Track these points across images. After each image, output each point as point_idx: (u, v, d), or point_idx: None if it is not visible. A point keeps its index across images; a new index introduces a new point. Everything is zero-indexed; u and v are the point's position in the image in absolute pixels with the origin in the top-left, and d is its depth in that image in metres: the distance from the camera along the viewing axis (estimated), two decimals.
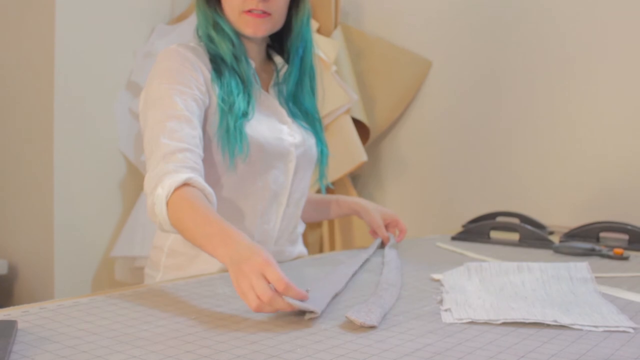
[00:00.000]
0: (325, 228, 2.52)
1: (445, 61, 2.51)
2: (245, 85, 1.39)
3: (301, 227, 1.58)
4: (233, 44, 1.40)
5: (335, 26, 2.57)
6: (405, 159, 2.62)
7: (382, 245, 1.64)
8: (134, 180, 2.62)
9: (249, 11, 1.37)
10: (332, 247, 2.51)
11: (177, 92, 1.29)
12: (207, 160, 1.35)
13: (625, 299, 1.13)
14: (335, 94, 2.38)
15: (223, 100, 1.34)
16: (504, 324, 0.95)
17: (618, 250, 1.59)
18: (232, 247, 1.00)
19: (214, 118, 1.35)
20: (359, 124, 2.53)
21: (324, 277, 1.21)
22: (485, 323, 0.95)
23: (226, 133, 1.32)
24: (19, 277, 2.51)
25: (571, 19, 2.23)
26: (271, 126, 1.41)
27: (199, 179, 1.18)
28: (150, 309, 0.99)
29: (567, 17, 2.23)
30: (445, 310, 1.01)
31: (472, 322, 0.95)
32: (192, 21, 2.50)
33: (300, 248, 1.57)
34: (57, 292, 2.39)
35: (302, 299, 0.94)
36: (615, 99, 2.16)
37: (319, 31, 2.56)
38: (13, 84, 2.53)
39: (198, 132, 1.27)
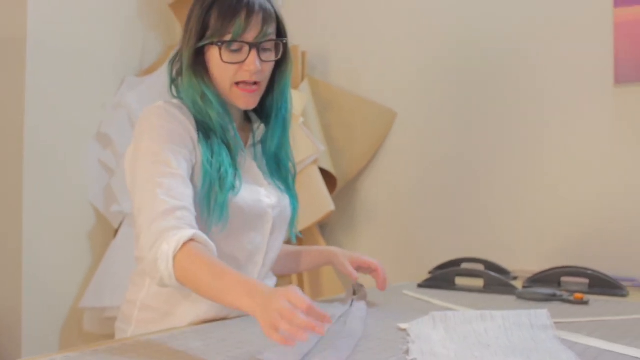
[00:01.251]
0: (294, 277, 2.55)
1: (410, 112, 2.58)
2: (233, 156, 1.40)
3: (272, 281, 1.60)
4: (220, 114, 1.40)
5: (302, 79, 2.64)
6: (373, 207, 2.67)
7: (354, 292, 1.66)
8: (103, 231, 2.63)
9: (239, 83, 1.40)
10: None
11: (169, 150, 1.31)
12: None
13: (585, 344, 1.18)
14: (302, 145, 2.43)
15: (211, 167, 1.35)
16: None
17: (578, 295, 1.64)
18: (256, 297, 1.03)
19: (198, 178, 1.36)
20: (326, 174, 2.58)
21: None
22: None
23: (207, 201, 1.34)
24: None
25: (536, 68, 2.32)
26: (250, 189, 1.43)
27: (203, 235, 1.21)
28: None
29: (533, 67, 2.33)
30: None
31: None
32: (162, 73, 2.55)
33: None
34: (25, 342, 2.37)
35: (323, 320, 0.98)
36: (578, 147, 2.25)
37: None
38: None
39: (191, 191, 1.30)
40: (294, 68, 2.60)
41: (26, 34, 2.42)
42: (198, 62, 1.41)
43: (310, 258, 1.73)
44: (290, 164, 1.57)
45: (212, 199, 1.34)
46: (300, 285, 2.54)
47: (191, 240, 1.19)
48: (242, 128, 1.53)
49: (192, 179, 1.35)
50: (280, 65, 1.48)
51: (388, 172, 2.64)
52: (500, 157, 2.38)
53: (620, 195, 2.17)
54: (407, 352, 1.10)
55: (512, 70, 2.36)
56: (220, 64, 1.39)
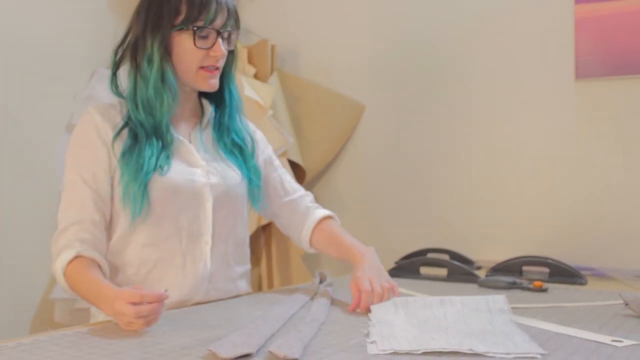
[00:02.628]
0: (263, 266, 2.58)
1: (378, 105, 2.62)
2: (165, 144, 1.48)
3: (243, 266, 1.63)
4: (169, 104, 1.48)
5: (272, 72, 2.66)
6: (341, 198, 2.71)
7: (320, 281, 1.69)
8: None
9: (204, 67, 1.49)
10: (271, 286, 2.56)
11: (82, 169, 1.46)
12: (119, 211, 1.46)
13: (538, 327, 1.22)
14: (271, 137, 2.45)
15: (124, 154, 1.45)
16: (425, 353, 1.02)
17: (538, 283, 1.69)
18: (106, 301, 1.22)
19: (116, 175, 1.46)
20: (295, 166, 2.61)
21: (260, 318, 1.27)
22: (407, 353, 1.02)
23: (126, 194, 1.43)
24: None
25: (499, 63, 2.37)
26: (181, 170, 1.49)
27: (86, 251, 1.39)
28: (92, 347, 1.04)
29: (495, 61, 2.38)
30: (371, 342, 1.09)
31: (395, 353, 1.03)
32: None
33: (241, 286, 1.62)
34: None
35: (161, 298, 1.16)
36: (539, 140, 2.30)
37: (256, 76, 2.65)
38: None
39: (94, 197, 1.45)
40: (264, 61, 2.65)
41: None
42: (166, 48, 1.48)
43: (344, 251, 1.62)
44: (247, 138, 1.64)
45: (129, 190, 1.43)
46: (269, 273, 2.57)
47: (77, 257, 1.38)
48: (193, 114, 1.61)
49: (113, 177, 1.47)
50: (230, 53, 1.57)
51: (356, 164, 2.68)
52: (465, 151, 2.43)
53: (581, 187, 2.23)
54: (367, 335, 1.14)
55: (476, 64, 2.41)
56: (190, 49, 1.48)
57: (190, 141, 1.56)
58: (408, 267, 1.97)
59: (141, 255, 1.47)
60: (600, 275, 2.01)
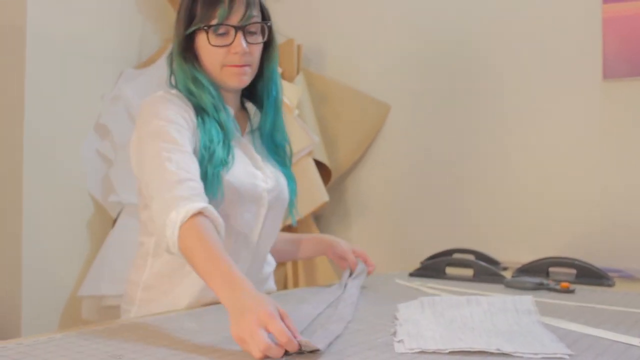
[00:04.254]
0: (289, 266, 2.59)
1: (404, 105, 2.62)
2: (226, 134, 1.46)
3: (270, 266, 1.64)
4: (212, 96, 1.46)
5: (298, 72, 2.67)
6: (366, 198, 2.71)
7: (350, 274, 1.70)
8: (101, 221, 2.67)
9: (231, 65, 1.46)
10: (296, 285, 2.57)
11: (175, 130, 1.36)
12: None
13: (566, 328, 1.22)
14: (297, 137, 2.46)
15: (204, 147, 1.41)
16: (452, 352, 1.02)
17: (565, 284, 1.68)
18: (237, 294, 1.04)
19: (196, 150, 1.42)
20: (321, 166, 2.62)
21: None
22: (434, 352, 1.02)
23: (203, 180, 1.37)
24: None
25: (527, 63, 2.36)
26: (247, 171, 1.48)
27: (213, 210, 1.25)
28: (121, 343, 1.06)
29: (524, 62, 2.37)
30: (398, 341, 1.09)
31: (422, 352, 1.03)
32: (160, 65, 2.58)
33: (269, 284, 1.64)
34: (25, 331, 2.41)
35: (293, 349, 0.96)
36: (567, 141, 2.29)
37: (282, 76, 2.65)
38: None
39: (197, 166, 1.35)
40: (290, 61, 2.65)
41: (26, 25, 2.45)
42: (188, 49, 1.48)
43: (310, 245, 1.77)
44: (287, 146, 1.64)
45: (207, 175, 1.38)
46: (295, 273, 2.57)
47: (200, 213, 1.22)
48: (239, 116, 1.59)
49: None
50: (267, 49, 1.55)
51: (382, 164, 2.68)
52: (492, 151, 2.42)
53: (609, 189, 2.21)
54: (394, 334, 1.15)
55: (503, 65, 2.40)
56: (209, 48, 1.46)
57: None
58: (434, 267, 1.97)
59: None
60: (628, 277, 1.99)
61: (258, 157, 1.54)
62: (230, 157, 1.44)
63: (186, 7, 1.48)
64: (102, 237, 2.65)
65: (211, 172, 1.39)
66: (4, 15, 2.50)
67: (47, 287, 2.51)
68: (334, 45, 2.79)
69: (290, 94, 2.52)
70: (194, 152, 1.40)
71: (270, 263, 1.65)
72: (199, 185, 1.30)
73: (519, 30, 2.38)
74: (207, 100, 1.45)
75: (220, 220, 1.26)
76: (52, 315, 2.55)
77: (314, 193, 2.51)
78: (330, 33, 2.80)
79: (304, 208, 2.49)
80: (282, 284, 2.61)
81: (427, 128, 2.57)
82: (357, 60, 2.73)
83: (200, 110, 1.46)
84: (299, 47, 2.70)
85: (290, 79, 2.64)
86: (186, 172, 1.29)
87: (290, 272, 2.58)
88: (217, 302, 1.47)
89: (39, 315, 2.49)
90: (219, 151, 1.42)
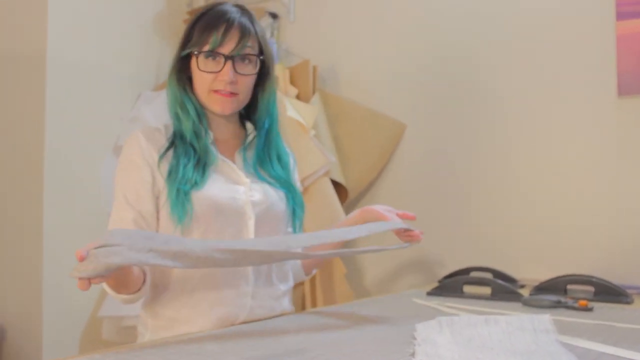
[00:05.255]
0: (307, 285, 2.59)
1: (419, 124, 2.63)
2: (200, 157, 1.52)
3: (286, 284, 1.65)
4: (194, 122, 1.54)
5: (313, 92, 2.70)
6: None
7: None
8: None
9: (217, 91, 1.52)
10: (314, 305, 2.58)
11: (126, 190, 1.49)
12: (166, 229, 1.49)
13: (585, 347, 1.22)
14: (314, 157, 2.48)
15: (172, 169, 1.49)
16: None
17: (583, 302, 1.68)
18: None
19: (162, 195, 1.50)
20: (337, 185, 2.63)
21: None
22: None
23: (169, 202, 1.47)
24: (7, 338, 2.55)
25: (541, 80, 2.37)
26: (225, 188, 1.53)
27: None
28: None
29: (537, 79, 2.38)
30: None
31: None
32: None
33: (285, 304, 1.64)
34: (46, 352, 2.43)
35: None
36: (582, 157, 2.29)
37: (298, 97, 2.68)
38: (4, 145, 2.61)
39: (135, 216, 1.47)
40: (305, 82, 2.67)
41: (46, 49, 2.50)
42: (182, 71, 1.57)
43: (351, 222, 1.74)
44: (287, 162, 1.68)
45: (177, 193, 1.46)
46: (313, 292, 2.58)
47: None
48: (236, 135, 1.65)
49: (160, 193, 1.50)
50: (263, 82, 1.60)
51: (398, 183, 2.69)
52: (508, 169, 2.43)
53: (625, 205, 2.21)
54: (413, 354, 1.15)
55: (517, 81, 2.41)
56: (198, 71, 1.53)
57: (234, 162, 1.60)
58: (451, 285, 1.97)
59: (186, 271, 1.48)
60: None
61: (242, 174, 1.58)
62: (200, 176, 1.50)
63: (186, 31, 1.56)
64: None
65: (179, 190, 1.46)
66: (26, 41, 2.55)
67: (67, 307, 2.54)
68: (349, 65, 2.81)
69: (306, 114, 2.54)
70: (160, 184, 1.50)
71: (285, 281, 1.66)
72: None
73: (532, 47, 2.38)
74: (187, 127, 1.54)
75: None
76: (72, 336, 2.57)
77: (331, 212, 2.52)
78: (345, 53, 2.82)
79: (322, 228, 2.49)
80: (301, 304, 2.61)
81: (442, 146, 2.58)
82: (372, 80, 2.75)
83: (178, 135, 1.55)
84: (314, 67, 2.73)
85: (306, 100, 2.66)
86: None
87: (309, 292, 2.58)
88: (236, 324, 1.49)
89: (60, 335, 2.51)
90: (188, 172, 1.49)
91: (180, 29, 2.96)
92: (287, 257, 1.41)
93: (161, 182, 1.50)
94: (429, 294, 1.97)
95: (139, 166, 1.51)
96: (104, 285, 1.38)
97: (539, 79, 2.37)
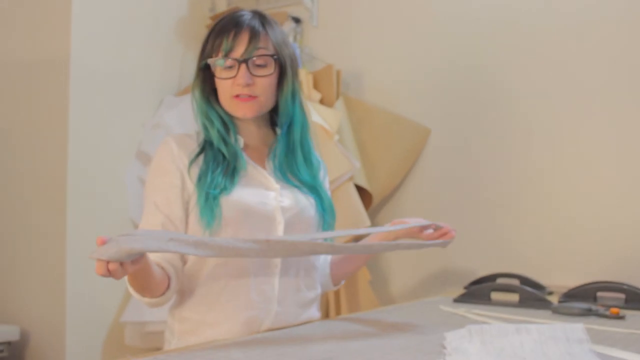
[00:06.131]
0: (330, 292, 2.57)
1: (443, 128, 2.61)
2: (229, 163, 1.52)
3: (313, 291, 1.63)
4: (220, 129, 1.55)
5: (337, 97, 2.68)
6: None
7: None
8: None
9: (238, 96, 1.52)
10: (338, 312, 2.55)
11: (156, 195, 1.51)
12: (196, 232, 1.49)
13: (619, 357, 1.19)
14: (338, 162, 2.46)
15: (203, 173, 1.50)
16: None
17: (614, 310, 1.65)
18: None
19: (192, 200, 1.50)
20: (361, 190, 2.61)
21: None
22: None
23: (198, 207, 1.47)
24: (30, 343, 2.56)
25: (569, 83, 2.34)
26: (255, 193, 1.52)
27: None
28: None
29: (565, 82, 2.34)
30: None
31: None
32: None
33: (312, 312, 1.61)
34: (69, 358, 2.43)
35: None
36: (610, 158, 2.26)
37: (321, 102, 2.66)
38: (27, 153, 2.62)
39: (164, 221, 1.48)
40: (329, 86, 2.66)
41: (70, 56, 2.50)
42: (205, 82, 1.58)
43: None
44: (316, 167, 1.67)
45: (202, 202, 1.47)
46: (337, 299, 2.56)
47: None
48: (266, 140, 1.65)
49: (190, 198, 1.51)
50: (281, 83, 1.58)
51: (422, 188, 2.66)
52: (535, 173, 2.39)
53: None
54: None
55: (546, 84, 2.37)
56: (218, 80, 1.54)
57: (264, 168, 1.59)
58: (478, 292, 1.94)
59: (213, 274, 1.49)
60: None
61: (272, 180, 1.57)
62: (230, 182, 1.50)
63: (203, 42, 1.57)
64: None
65: (208, 195, 1.47)
66: (49, 47, 2.56)
67: (90, 313, 2.54)
68: (373, 69, 2.78)
69: (330, 119, 2.53)
70: (190, 189, 1.51)
71: (312, 289, 1.64)
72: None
73: (557, 51, 2.35)
74: (215, 135, 1.54)
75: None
76: (95, 341, 2.57)
77: (355, 217, 2.50)
78: (369, 58, 2.80)
79: None
80: (325, 312, 2.59)
81: (467, 151, 2.55)
82: (397, 84, 2.72)
83: (208, 142, 1.56)
84: (338, 72, 2.71)
85: (330, 104, 2.65)
86: None
87: (333, 299, 2.56)
88: (262, 330, 1.47)
89: (83, 341, 2.51)
90: (218, 177, 1.49)
91: (203, 34, 2.96)
92: (313, 251, 1.39)
93: (191, 187, 1.51)
94: (456, 300, 1.94)
95: (169, 171, 1.52)
96: (128, 287, 1.39)
97: (569, 82, 2.33)
